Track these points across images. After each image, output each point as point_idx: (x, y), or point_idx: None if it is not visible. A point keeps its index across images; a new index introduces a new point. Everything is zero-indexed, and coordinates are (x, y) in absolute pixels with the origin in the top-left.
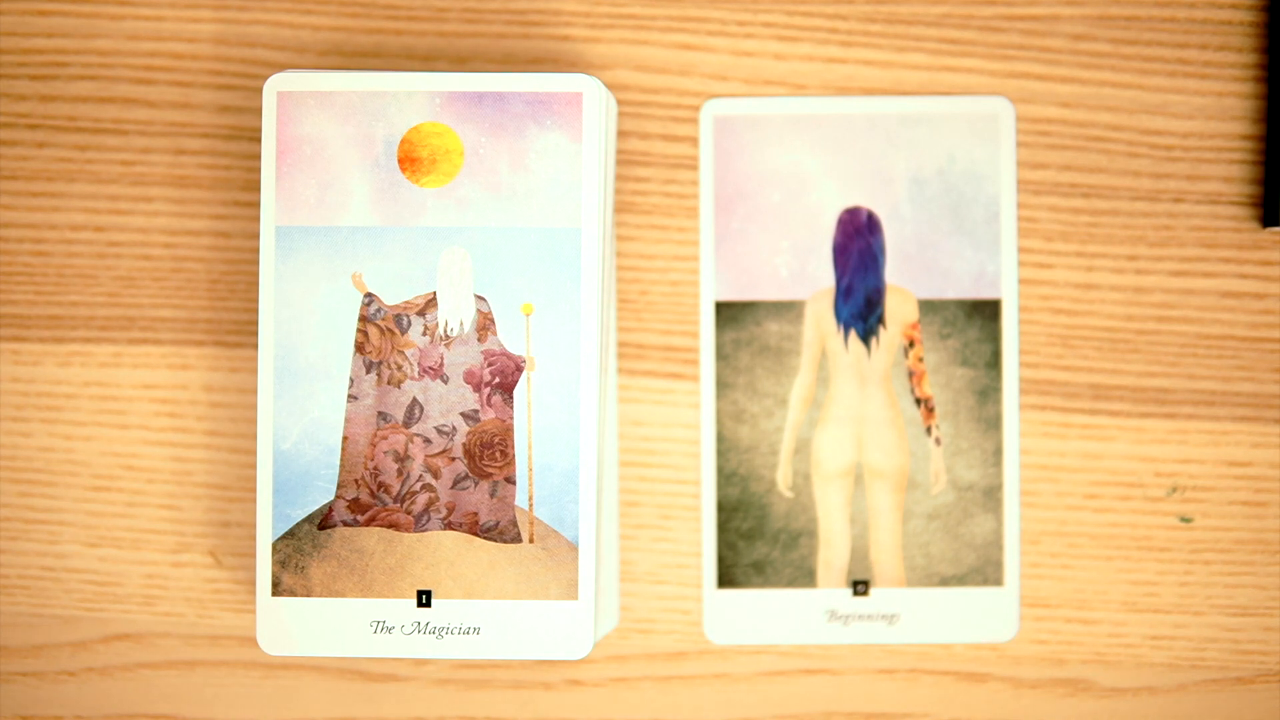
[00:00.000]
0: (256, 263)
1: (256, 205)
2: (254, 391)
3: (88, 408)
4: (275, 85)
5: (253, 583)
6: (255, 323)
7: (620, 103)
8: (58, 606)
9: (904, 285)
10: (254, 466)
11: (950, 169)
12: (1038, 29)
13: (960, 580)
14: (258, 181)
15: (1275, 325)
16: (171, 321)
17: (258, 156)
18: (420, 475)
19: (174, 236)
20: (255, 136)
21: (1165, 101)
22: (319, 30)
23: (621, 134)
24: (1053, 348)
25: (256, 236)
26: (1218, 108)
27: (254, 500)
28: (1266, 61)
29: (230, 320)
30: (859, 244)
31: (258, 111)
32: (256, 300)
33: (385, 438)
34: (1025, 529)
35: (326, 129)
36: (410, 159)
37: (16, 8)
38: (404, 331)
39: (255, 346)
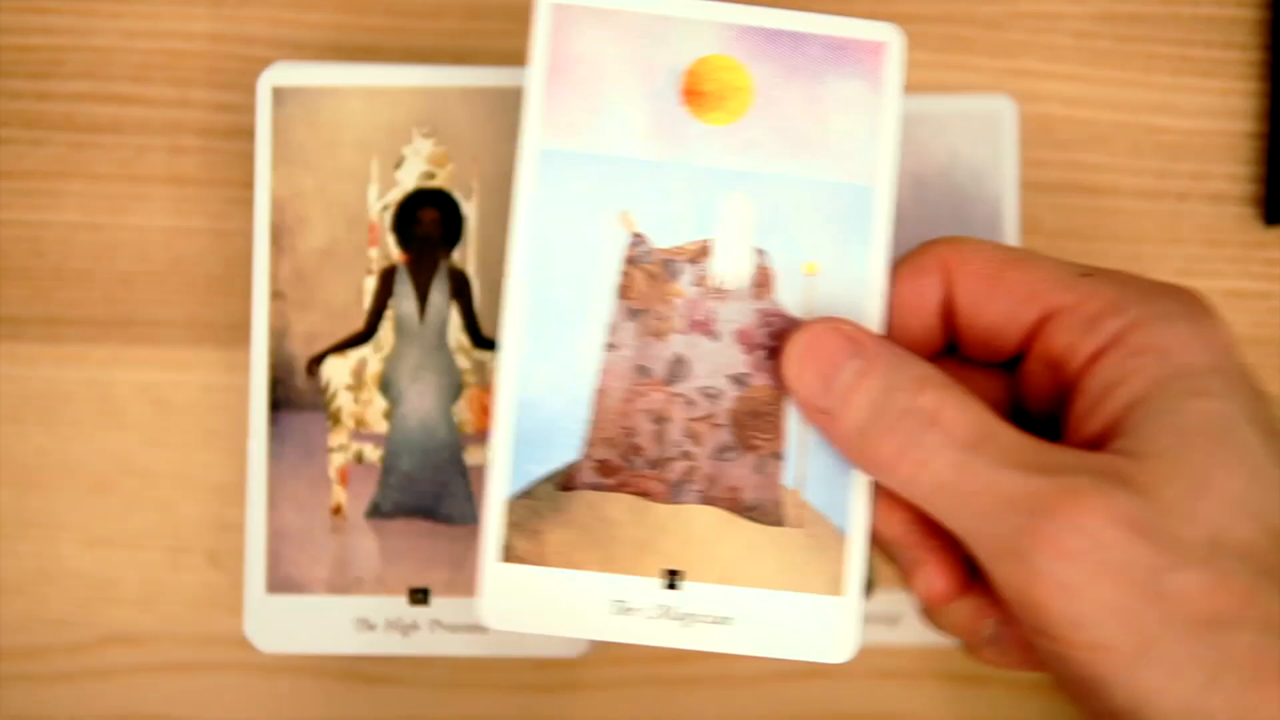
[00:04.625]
0: (251, 263)
1: (252, 204)
2: (250, 393)
3: (84, 408)
4: None
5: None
6: (250, 324)
7: None
8: (54, 609)
9: None
10: (248, 468)
11: (953, 167)
12: (1041, 27)
13: None
14: (252, 179)
15: (1279, 324)
16: (168, 321)
17: (253, 155)
18: (679, 440)
19: (171, 235)
20: (252, 134)
21: (1169, 99)
22: (316, 28)
23: None
24: None
25: (251, 236)
26: (1222, 105)
27: (249, 502)
28: (1270, 59)
29: (228, 320)
30: None
31: (254, 109)
32: (252, 301)
33: (643, 395)
34: None
35: (604, 49)
36: (695, 92)
37: (13, 5)
38: (673, 279)
39: (250, 347)
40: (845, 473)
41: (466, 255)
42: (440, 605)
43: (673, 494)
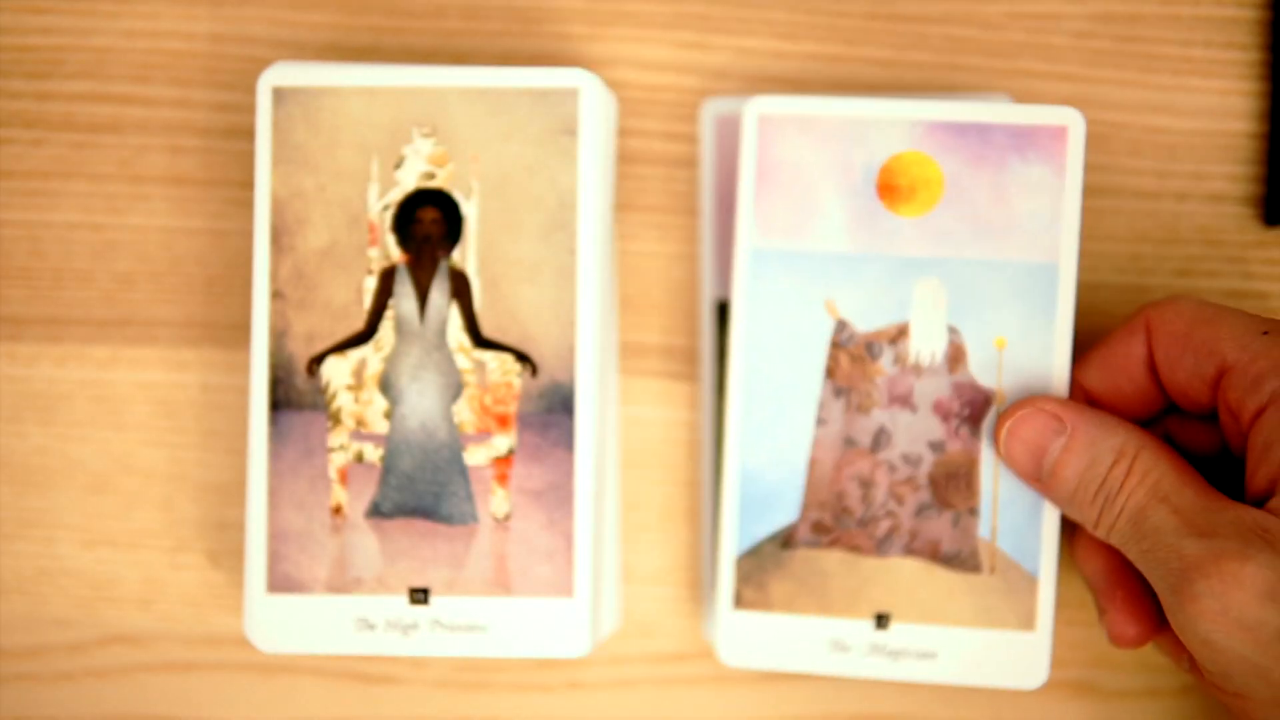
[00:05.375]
0: (251, 263)
1: (252, 204)
2: (250, 393)
3: (84, 408)
4: (756, 109)
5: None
6: (250, 324)
7: (620, 100)
8: (54, 608)
9: None
10: (248, 468)
11: None
12: (1040, 27)
13: None
14: (252, 180)
15: None
16: (168, 321)
17: (253, 155)
18: (884, 502)
19: (171, 235)
20: (252, 134)
21: (1169, 100)
22: (316, 28)
23: (622, 131)
24: None
25: (251, 236)
26: (1221, 106)
27: (249, 501)
28: (1270, 59)
29: (228, 320)
30: None
31: (254, 109)
32: (252, 301)
33: (851, 463)
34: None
35: (806, 153)
36: (889, 187)
37: (13, 5)
38: (875, 359)
39: (250, 347)
40: (1035, 525)
41: (466, 255)
42: (440, 605)
43: (879, 548)
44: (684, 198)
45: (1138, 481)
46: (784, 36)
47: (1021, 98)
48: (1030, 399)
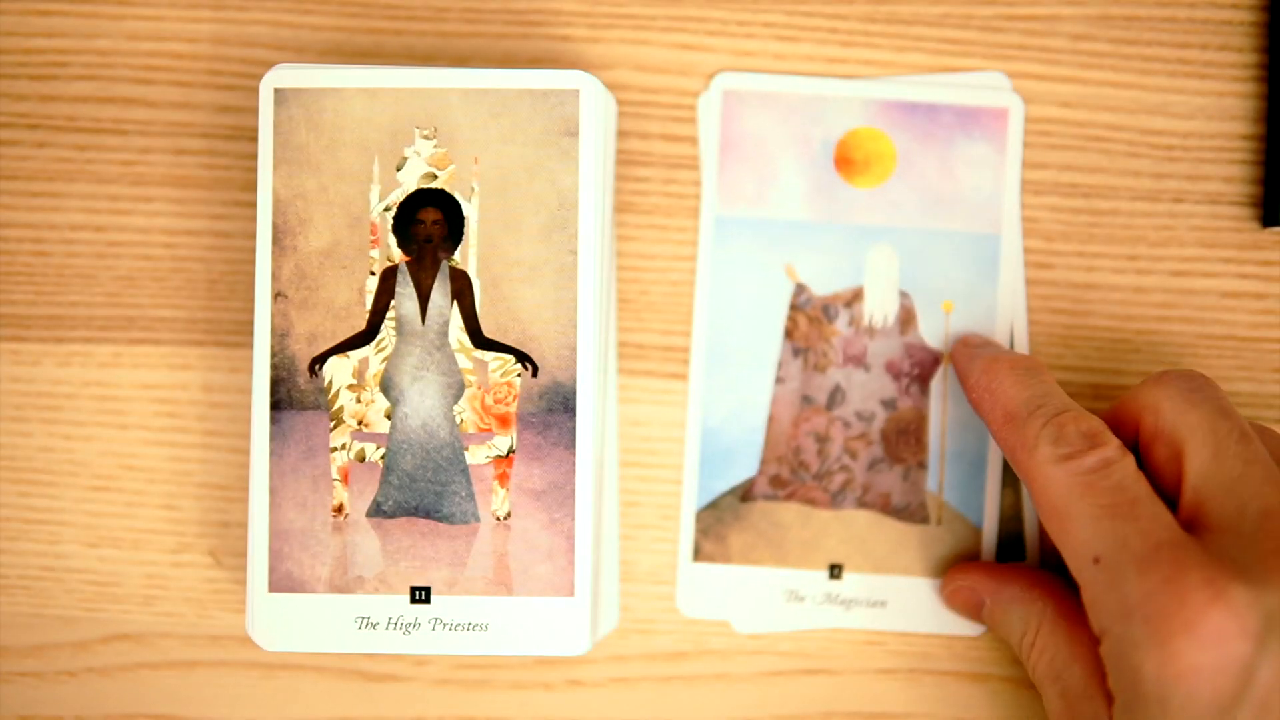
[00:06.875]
0: (253, 263)
1: (254, 205)
2: (252, 393)
3: (87, 408)
4: (722, 84)
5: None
6: (252, 324)
7: (620, 102)
8: (57, 607)
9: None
10: (250, 467)
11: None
12: (1038, 29)
13: None
14: (255, 181)
15: (1276, 325)
16: (171, 321)
17: (255, 156)
18: (839, 456)
19: (173, 236)
20: (255, 136)
21: (1165, 101)
22: (318, 30)
23: (621, 134)
24: (1053, 348)
25: (254, 237)
26: (1218, 107)
27: (252, 501)
28: (1267, 61)
29: (230, 320)
30: None
31: (257, 111)
32: (254, 301)
33: (808, 419)
34: (1023, 529)
35: (768, 127)
36: (846, 160)
37: (16, 7)
38: (831, 321)
39: (253, 347)
40: (980, 479)
41: (467, 256)
42: (441, 604)
43: (834, 501)
44: (683, 199)
45: (1038, 656)
46: (783, 38)
47: (1021, 98)
48: (957, 568)
